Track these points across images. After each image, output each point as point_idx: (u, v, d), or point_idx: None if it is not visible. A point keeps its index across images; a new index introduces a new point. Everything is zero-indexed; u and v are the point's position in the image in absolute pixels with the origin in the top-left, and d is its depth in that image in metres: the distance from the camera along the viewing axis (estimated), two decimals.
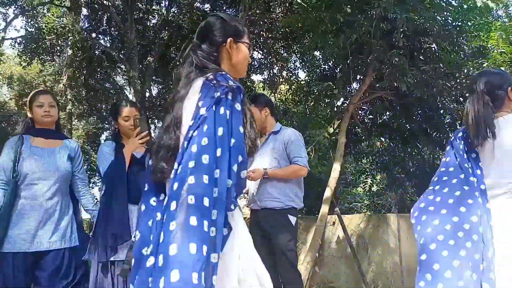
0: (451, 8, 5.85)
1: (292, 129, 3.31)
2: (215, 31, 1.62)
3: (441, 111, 6.55)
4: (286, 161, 3.16)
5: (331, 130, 6.55)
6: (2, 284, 2.38)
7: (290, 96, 12.56)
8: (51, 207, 2.54)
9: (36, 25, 15.87)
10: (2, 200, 2.44)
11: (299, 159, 3.11)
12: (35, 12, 15.48)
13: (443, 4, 5.89)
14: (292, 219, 3.08)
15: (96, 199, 3.14)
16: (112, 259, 2.49)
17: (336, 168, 6.10)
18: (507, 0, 5.63)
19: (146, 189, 1.58)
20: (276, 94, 16.73)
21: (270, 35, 14.17)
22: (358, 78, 7.23)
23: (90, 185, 21.45)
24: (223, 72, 1.54)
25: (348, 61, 6.54)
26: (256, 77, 17.40)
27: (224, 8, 14.73)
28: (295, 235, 3.16)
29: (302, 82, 8.97)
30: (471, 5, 5.48)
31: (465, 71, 5.68)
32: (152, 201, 1.54)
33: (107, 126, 20.41)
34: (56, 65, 18.86)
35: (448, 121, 6.76)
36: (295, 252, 3.12)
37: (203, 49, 1.61)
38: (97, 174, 18.13)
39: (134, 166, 2.71)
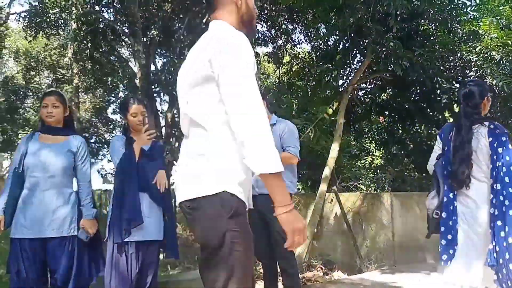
0: None
1: (287, 121, 3.53)
2: None
3: (438, 91, 6.73)
4: (279, 151, 3.39)
5: (330, 111, 6.77)
6: (16, 268, 2.64)
7: (294, 70, 12.64)
8: (48, 198, 2.71)
9: None
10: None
11: (291, 149, 3.34)
12: None
13: None
14: None
15: (110, 189, 3.31)
16: (126, 240, 2.79)
17: (334, 148, 6.37)
18: None
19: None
20: (280, 68, 16.77)
21: (273, 8, 14.09)
22: (357, 59, 7.39)
23: (99, 157, 21.95)
24: None
25: (347, 44, 6.69)
26: (260, 50, 17.42)
27: None
28: None
29: (304, 60, 9.03)
30: None
31: (459, 54, 5.83)
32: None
33: (113, 99, 20.65)
34: (61, 38, 18.87)
35: (444, 101, 6.94)
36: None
37: None
38: (106, 147, 18.51)
39: (143, 158, 3.00)
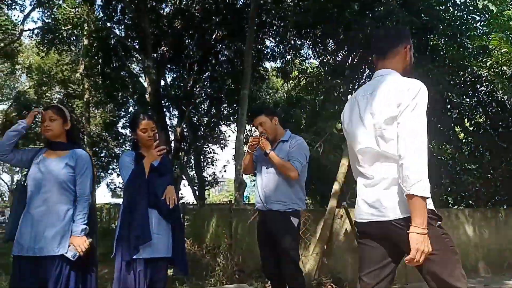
0: (456, 7, 5.94)
1: (300, 138, 3.52)
2: None
3: (448, 106, 6.67)
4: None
5: (339, 126, 6.72)
6: (16, 285, 2.61)
7: (303, 84, 12.67)
8: (39, 215, 2.62)
9: (53, 16, 16.16)
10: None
11: (295, 162, 3.29)
12: (51, 3, 15.72)
13: (448, 3, 5.97)
14: (295, 221, 3.32)
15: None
16: (135, 257, 2.76)
17: (344, 163, 6.30)
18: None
19: None
20: (289, 83, 16.83)
21: (282, 24, 14.24)
22: (366, 74, 7.38)
23: (109, 171, 22.09)
24: None
25: (356, 59, 6.70)
26: (269, 65, 17.53)
27: None
28: (297, 235, 3.40)
29: (313, 75, 9.05)
30: (474, 4, 5.58)
31: (469, 69, 5.80)
32: None
33: (123, 113, 20.85)
34: (73, 54, 19.20)
35: (455, 116, 6.88)
36: (297, 251, 3.35)
37: None
38: (115, 161, 18.61)
39: (152, 174, 2.99)
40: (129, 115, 20.68)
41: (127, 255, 2.77)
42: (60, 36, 16.20)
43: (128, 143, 19.40)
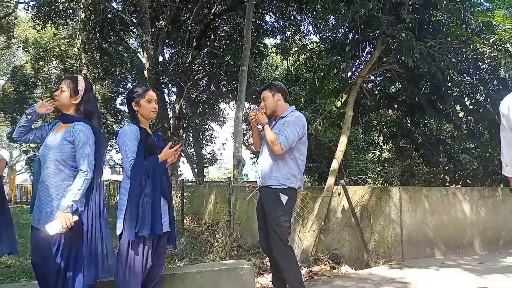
0: None
1: (297, 113, 3.46)
2: None
3: (449, 84, 6.59)
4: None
5: (339, 103, 6.67)
6: (32, 253, 2.65)
7: (302, 61, 12.53)
8: (42, 190, 2.64)
9: None
10: None
11: (281, 137, 3.25)
12: None
13: None
14: (283, 198, 3.28)
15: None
16: (141, 234, 2.75)
17: (343, 141, 6.28)
18: None
19: None
20: (289, 59, 16.66)
21: None
22: (366, 51, 7.26)
23: (107, 148, 22.05)
24: None
25: (357, 35, 6.58)
26: (268, 41, 17.33)
27: None
28: (287, 212, 3.32)
29: (313, 51, 8.93)
30: None
31: (472, 46, 5.70)
32: None
33: (121, 89, 20.68)
34: (70, 28, 18.91)
35: (455, 94, 6.81)
36: (284, 228, 3.29)
37: None
38: (114, 138, 18.55)
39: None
40: (127, 91, 20.52)
41: (132, 235, 2.75)
42: (56, 10, 15.87)
43: (127, 119, 19.31)
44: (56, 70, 21.33)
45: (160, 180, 2.91)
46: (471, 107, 6.94)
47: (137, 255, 2.79)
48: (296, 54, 14.77)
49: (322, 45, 8.54)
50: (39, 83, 19.33)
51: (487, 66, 5.88)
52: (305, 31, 15.81)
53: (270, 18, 16.25)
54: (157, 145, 3.01)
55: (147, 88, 3.11)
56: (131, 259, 2.79)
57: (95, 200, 2.70)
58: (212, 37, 16.54)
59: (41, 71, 20.04)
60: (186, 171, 23.87)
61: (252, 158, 22.14)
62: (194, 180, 18.10)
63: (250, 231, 6.41)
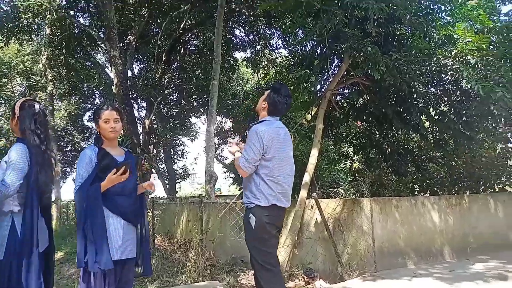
0: None
1: (255, 126, 3.26)
2: None
3: (414, 95, 6.77)
4: None
5: (309, 117, 6.73)
6: None
7: (272, 74, 12.64)
8: None
9: (12, 4, 15.36)
10: None
11: (240, 159, 3.16)
12: None
13: None
14: (252, 220, 3.12)
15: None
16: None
17: (314, 154, 6.32)
18: None
19: None
20: (259, 72, 16.78)
21: (251, 13, 14.10)
22: (334, 64, 7.39)
23: (74, 166, 21.44)
24: None
25: (325, 49, 6.68)
26: (239, 55, 17.44)
27: None
28: (259, 234, 3.13)
29: (282, 65, 9.02)
30: None
31: (435, 58, 5.88)
32: None
33: (89, 106, 20.26)
34: (35, 44, 18.44)
35: (421, 105, 7.00)
36: (257, 249, 3.14)
37: None
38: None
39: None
40: (95, 107, 20.12)
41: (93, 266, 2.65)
42: (20, 25, 15.44)
43: (94, 136, 18.88)
44: (20, 87, 20.70)
45: (96, 211, 2.73)
46: (436, 117, 7.13)
47: (98, 280, 2.68)
48: (266, 68, 14.90)
49: (291, 59, 8.63)
50: (2, 101, 18.70)
51: (450, 78, 6.07)
52: (275, 45, 16.00)
53: (240, 32, 16.38)
54: (114, 165, 2.84)
55: (106, 107, 3.04)
56: (93, 284, 2.68)
57: (27, 222, 2.60)
58: (182, 51, 16.49)
59: (5, 88, 19.38)
60: (157, 187, 23.46)
61: (225, 172, 22.01)
62: (166, 196, 17.81)
63: (223, 249, 6.32)
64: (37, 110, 2.86)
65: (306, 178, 6.11)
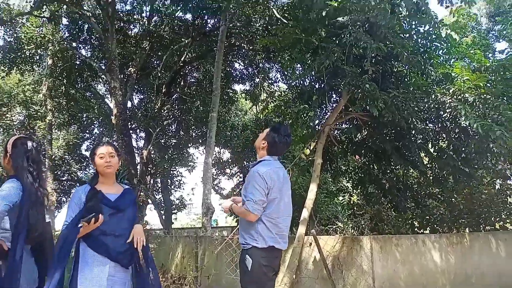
0: (419, 35, 6.12)
1: (256, 167, 3.22)
2: None
3: (413, 132, 6.78)
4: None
5: (307, 151, 6.71)
6: None
7: (271, 108, 12.72)
8: None
9: (15, 35, 15.64)
10: None
11: (246, 202, 3.07)
12: (14, 22, 15.25)
13: (412, 31, 6.14)
14: (248, 263, 3.03)
15: None
16: None
17: (312, 189, 6.26)
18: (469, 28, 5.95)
19: None
20: (257, 105, 16.92)
21: (250, 47, 14.35)
22: (333, 100, 7.44)
23: (71, 195, 21.25)
24: None
25: (323, 85, 6.74)
26: (238, 87, 17.63)
27: (206, 19, 14.85)
28: (255, 277, 3.04)
29: (281, 99, 9.10)
30: (437, 33, 5.77)
31: (433, 96, 5.92)
32: None
33: (87, 135, 20.27)
34: (36, 74, 18.64)
35: (419, 141, 6.99)
36: None
37: None
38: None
39: (110, 213, 2.84)
40: (93, 137, 20.11)
41: None
42: (23, 56, 15.67)
43: (91, 167, 18.81)
44: (20, 116, 20.78)
45: (65, 256, 2.65)
46: (435, 153, 7.11)
47: None
48: (265, 101, 15.03)
49: (290, 93, 8.70)
50: (1, 130, 18.71)
51: (448, 115, 6.08)
52: (273, 78, 16.20)
53: (239, 65, 16.60)
54: (99, 207, 2.76)
55: (101, 144, 3.08)
56: None
57: (10, 262, 2.53)
58: (182, 83, 16.67)
59: (4, 117, 19.44)
60: (153, 218, 23.18)
61: (221, 204, 21.77)
62: (162, 227, 17.55)
63: (219, 285, 6.14)
64: (30, 147, 2.86)
65: (305, 213, 6.02)
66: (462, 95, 5.66)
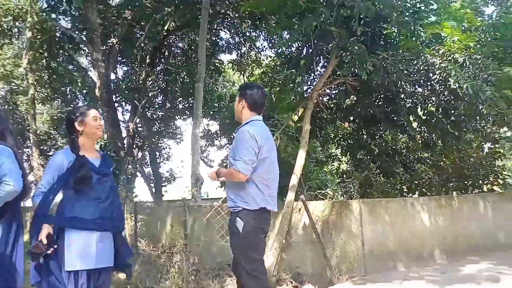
0: None
1: (243, 127, 3.12)
2: None
3: (402, 95, 6.70)
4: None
5: (295, 118, 6.59)
6: None
7: (257, 75, 12.50)
8: None
9: None
10: None
11: (236, 162, 2.96)
12: None
13: None
14: (239, 224, 2.96)
15: None
16: (76, 269, 2.55)
17: (301, 155, 6.18)
18: None
19: None
20: (244, 75, 16.64)
21: (236, 15, 13.93)
22: (321, 65, 7.28)
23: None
24: None
25: (311, 49, 6.57)
26: (224, 57, 17.29)
27: None
28: (247, 239, 2.96)
29: (268, 66, 8.89)
30: None
31: (423, 57, 5.80)
32: None
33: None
34: (16, 48, 18.07)
35: (408, 105, 6.92)
36: (247, 257, 2.97)
37: None
38: None
39: (96, 177, 2.76)
40: (67, 113, 19.71)
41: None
42: (0, 29, 15.09)
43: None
44: (1, 91, 20.25)
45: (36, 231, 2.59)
46: (424, 117, 7.07)
47: None
48: (251, 69, 14.76)
49: (277, 60, 8.51)
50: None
51: (438, 77, 5.98)
52: (261, 47, 15.85)
53: (225, 34, 16.20)
54: (90, 175, 2.70)
55: (89, 106, 2.96)
56: None
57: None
58: (167, 53, 16.25)
59: None
60: (143, 191, 23.14)
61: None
62: (152, 200, 17.50)
63: (209, 253, 6.12)
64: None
65: (294, 180, 5.96)
66: (452, 56, 5.55)
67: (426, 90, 6.92)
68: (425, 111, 6.97)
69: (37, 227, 2.57)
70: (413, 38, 6.14)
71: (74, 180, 2.65)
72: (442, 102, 6.64)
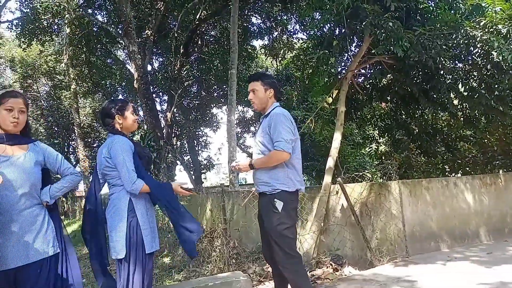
0: None
1: (276, 111, 3.20)
2: None
3: (441, 72, 6.41)
4: (271, 144, 3.13)
5: (330, 100, 6.50)
6: None
7: (289, 59, 12.38)
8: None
9: (31, 5, 15.63)
10: None
11: (277, 143, 3.03)
12: None
13: None
14: (279, 205, 3.04)
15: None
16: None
17: (337, 137, 6.10)
18: None
19: None
20: (278, 59, 16.53)
21: None
22: (354, 44, 7.10)
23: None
24: None
25: (344, 29, 6.41)
26: (257, 43, 17.22)
27: None
28: (285, 219, 3.05)
29: (300, 49, 8.77)
30: None
31: (462, 31, 5.53)
32: None
33: None
34: (56, 44, 18.76)
35: (448, 81, 6.63)
36: (285, 237, 3.05)
37: None
38: None
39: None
40: (103, 107, 20.34)
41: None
42: (41, 26, 15.72)
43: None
44: (45, 87, 21.14)
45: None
46: (465, 93, 6.76)
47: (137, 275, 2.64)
48: (284, 53, 14.62)
49: (309, 42, 8.37)
50: (29, 102, 19.16)
51: (479, 50, 5.69)
52: (292, 30, 15.67)
53: (256, 19, 16.12)
54: (151, 156, 2.92)
55: (127, 99, 3.15)
56: (130, 278, 2.64)
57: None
58: (200, 42, 16.40)
59: (30, 89, 19.83)
60: (183, 178, 23.60)
61: None
62: (192, 187, 17.88)
63: (249, 236, 6.22)
64: None
65: (330, 162, 5.91)
66: (494, 27, 5.26)
67: (467, 65, 6.60)
68: (467, 87, 6.66)
69: (170, 196, 2.81)
70: (452, 11, 5.86)
71: (145, 162, 2.87)
72: (485, 76, 6.32)
